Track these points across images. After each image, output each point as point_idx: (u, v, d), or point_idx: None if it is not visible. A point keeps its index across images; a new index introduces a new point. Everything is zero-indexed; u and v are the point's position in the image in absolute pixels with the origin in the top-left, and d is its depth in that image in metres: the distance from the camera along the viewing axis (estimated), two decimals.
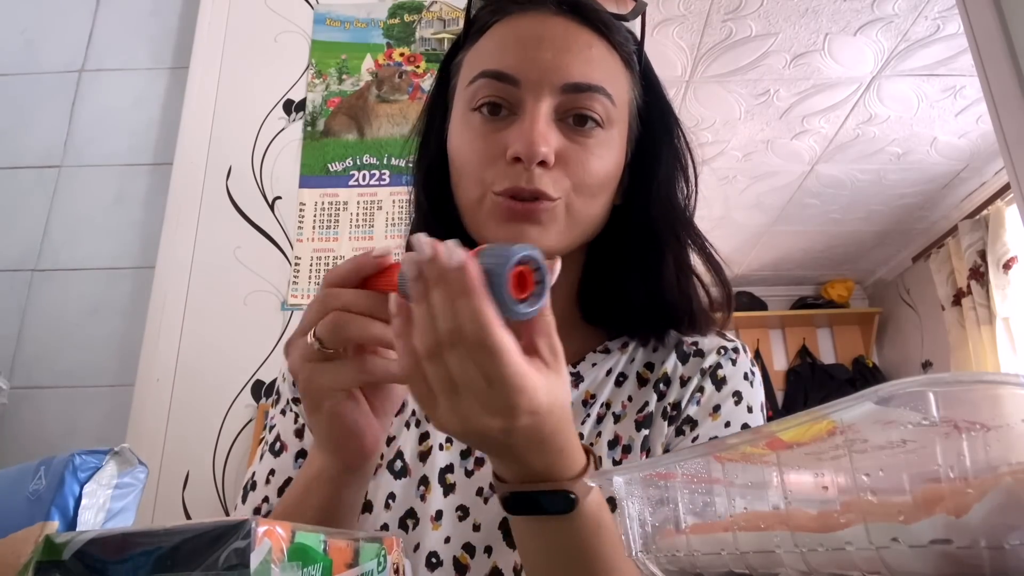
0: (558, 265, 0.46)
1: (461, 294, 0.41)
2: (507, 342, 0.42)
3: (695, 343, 0.73)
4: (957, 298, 3.43)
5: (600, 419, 0.69)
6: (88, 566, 0.31)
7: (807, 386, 4.05)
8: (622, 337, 0.74)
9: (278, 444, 0.70)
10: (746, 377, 0.71)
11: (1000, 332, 3.13)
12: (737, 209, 3.56)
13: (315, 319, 0.49)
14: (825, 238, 3.89)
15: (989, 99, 1.59)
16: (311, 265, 1.54)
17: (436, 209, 0.70)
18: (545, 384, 0.44)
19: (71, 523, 0.42)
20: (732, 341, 0.74)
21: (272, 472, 0.69)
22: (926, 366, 3.81)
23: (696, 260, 0.72)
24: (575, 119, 0.63)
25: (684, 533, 0.42)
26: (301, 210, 1.58)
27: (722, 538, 0.38)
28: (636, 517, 0.47)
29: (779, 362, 4.23)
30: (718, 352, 0.72)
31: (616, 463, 0.67)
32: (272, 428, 0.72)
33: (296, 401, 0.72)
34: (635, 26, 0.70)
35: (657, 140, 0.70)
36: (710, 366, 0.71)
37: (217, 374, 1.47)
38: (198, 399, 1.45)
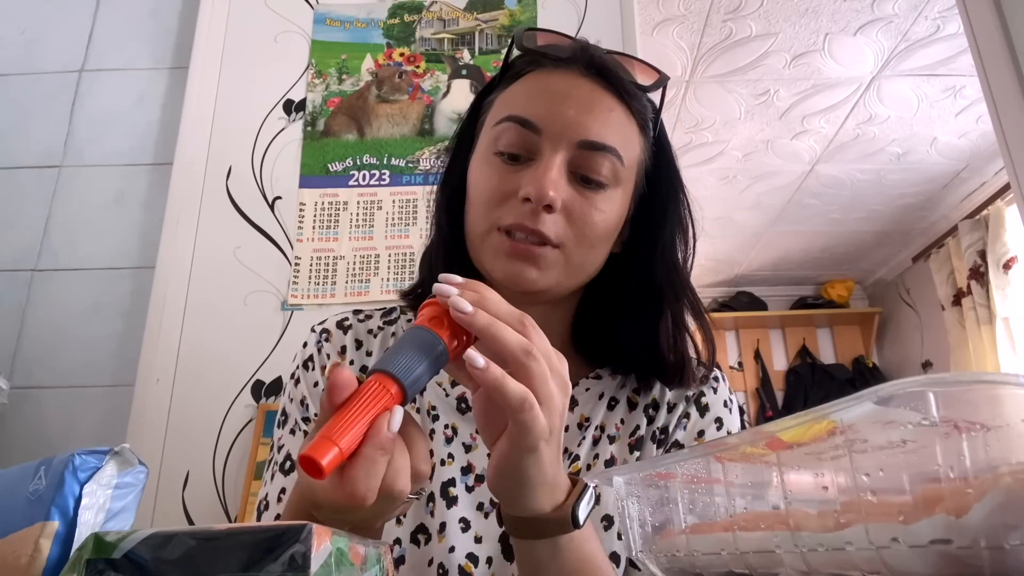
0: None
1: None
2: None
3: None
4: (957, 298, 3.43)
5: (596, 441, 0.74)
6: (139, 566, 0.30)
7: (807, 386, 4.05)
8: (609, 366, 0.78)
9: (288, 463, 0.72)
10: (726, 404, 0.77)
11: (1000, 332, 3.13)
12: (737, 209, 3.56)
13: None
14: (825, 238, 3.89)
15: (989, 99, 1.59)
16: (311, 265, 1.54)
17: (455, 231, 0.75)
18: None
19: (71, 523, 0.42)
20: (712, 370, 0.79)
21: (283, 491, 0.70)
22: (926, 366, 3.81)
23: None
24: (585, 175, 0.67)
25: (684, 533, 0.42)
26: (301, 210, 1.58)
27: (722, 538, 0.38)
28: (636, 517, 0.47)
29: (779, 362, 4.23)
30: (701, 380, 0.77)
31: None
32: (281, 448, 0.74)
33: (306, 420, 0.74)
34: (657, 94, 0.75)
35: (663, 204, 0.75)
36: (694, 393, 0.76)
37: (217, 374, 1.47)
38: (198, 399, 1.45)
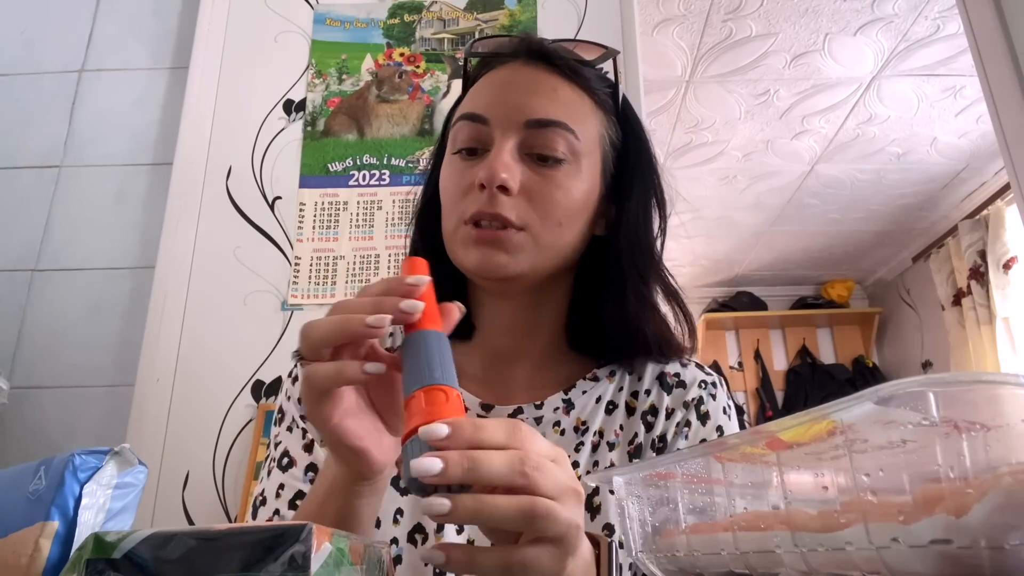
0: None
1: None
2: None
3: (677, 374, 0.77)
4: (957, 298, 3.43)
5: (595, 447, 0.73)
6: (139, 566, 0.30)
7: (807, 386, 4.05)
8: (609, 366, 0.77)
9: (286, 459, 0.72)
10: (725, 411, 0.76)
11: (1000, 332, 3.13)
12: (737, 209, 3.55)
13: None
14: (825, 238, 3.89)
15: (989, 99, 1.59)
16: (311, 265, 1.54)
17: (429, 239, 0.76)
18: None
19: (71, 523, 0.42)
20: (711, 375, 0.78)
21: (281, 486, 0.70)
22: (926, 366, 3.81)
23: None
24: (539, 154, 0.68)
25: (684, 533, 0.42)
26: (301, 210, 1.58)
27: (722, 538, 0.38)
28: (636, 517, 0.47)
29: (779, 362, 4.23)
30: (699, 386, 0.76)
31: None
32: (278, 445, 0.73)
33: (303, 418, 0.73)
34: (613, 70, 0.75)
35: (631, 177, 0.75)
36: (693, 399, 0.75)
37: (217, 374, 1.47)
38: (198, 399, 1.45)
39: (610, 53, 0.74)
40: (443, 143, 0.78)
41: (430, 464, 0.40)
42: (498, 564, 0.42)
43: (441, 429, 0.41)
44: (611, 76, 0.75)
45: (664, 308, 0.76)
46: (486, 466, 0.40)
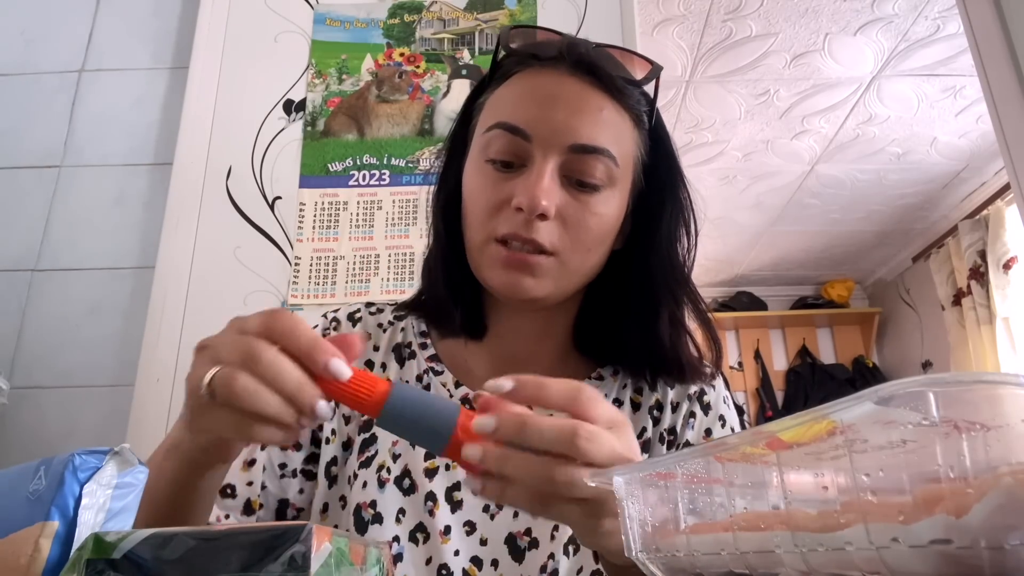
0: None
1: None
2: None
3: None
4: (957, 298, 3.43)
5: None
6: (139, 566, 0.30)
7: (807, 386, 4.05)
8: (611, 365, 0.78)
9: None
10: (725, 401, 0.78)
11: (1000, 332, 3.13)
12: (737, 209, 3.56)
13: (230, 358, 0.45)
14: (825, 238, 3.89)
15: (989, 99, 1.59)
16: (311, 265, 1.54)
17: (452, 238, 0.74)
18: None
19: (71, 523, 0.42)
20: (707, 367, 0.79)
21: (252, 461, 0.73)
22: (926, 366, 3.81)
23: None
24: (579, 180, 0.66)
25: (684, 533, 0.42)
26: (301, 210, 1.58)
27: (722, 538, 0.38)
28: (636, 517, 0.46)
29: (779, 362, 4.23)
30: (707, 377, 0.77)
31: None
32: None
33: None
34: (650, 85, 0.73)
35: (662, 195, 0.73)
36: (695, 392, 0.77)
37: None
38: None
39: (656, 70, 0.71)
40: (461, 130, 0.76)
41: (486, 420, 0.43)
42: (529, 500, 0.45)
43: (506, 383, 0.45)
44: (650, 91, 0.73)
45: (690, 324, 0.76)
46: (535, 430, 0.43)
